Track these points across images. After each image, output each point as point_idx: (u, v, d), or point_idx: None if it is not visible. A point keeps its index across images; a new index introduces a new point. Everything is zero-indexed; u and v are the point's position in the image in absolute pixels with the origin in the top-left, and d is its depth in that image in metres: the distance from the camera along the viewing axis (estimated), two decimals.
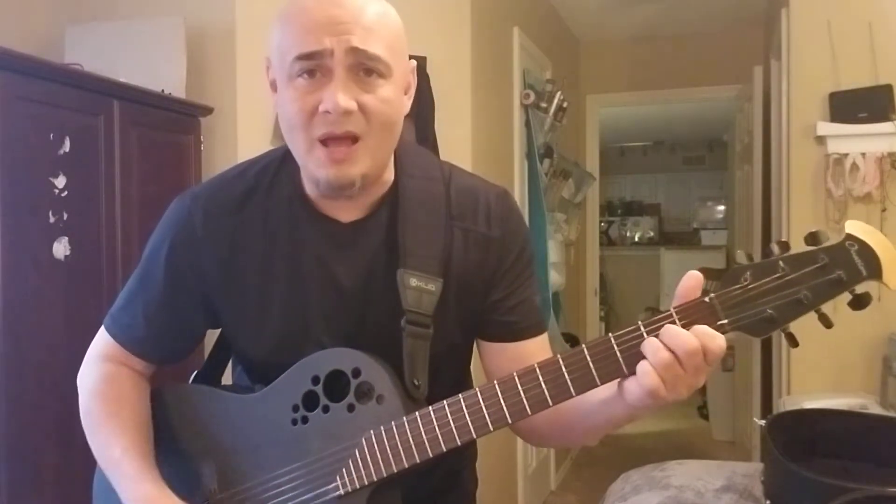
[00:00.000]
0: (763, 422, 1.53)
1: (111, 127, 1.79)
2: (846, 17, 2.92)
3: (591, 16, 4.63)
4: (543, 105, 3.79)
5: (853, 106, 2.87)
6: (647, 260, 8.05)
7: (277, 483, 1.02)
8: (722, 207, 8.68)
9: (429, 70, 2.66)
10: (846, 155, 2.87)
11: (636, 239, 9.19)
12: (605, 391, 0.92)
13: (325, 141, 0.93)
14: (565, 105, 3.95)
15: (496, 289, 1.06)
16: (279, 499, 1.01)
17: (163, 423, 1.09)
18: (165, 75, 2.06)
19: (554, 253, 3.96)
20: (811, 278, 0.80)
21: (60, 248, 1.64)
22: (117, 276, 1.76)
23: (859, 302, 0.80)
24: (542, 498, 4.13)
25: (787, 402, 2.82)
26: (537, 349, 1.07)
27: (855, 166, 2.86)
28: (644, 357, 0.83)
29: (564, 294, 4.32)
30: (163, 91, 2.01)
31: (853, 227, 0.81)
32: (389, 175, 1.05)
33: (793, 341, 0.85)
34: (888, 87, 2.85)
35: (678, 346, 0.81)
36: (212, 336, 1.22)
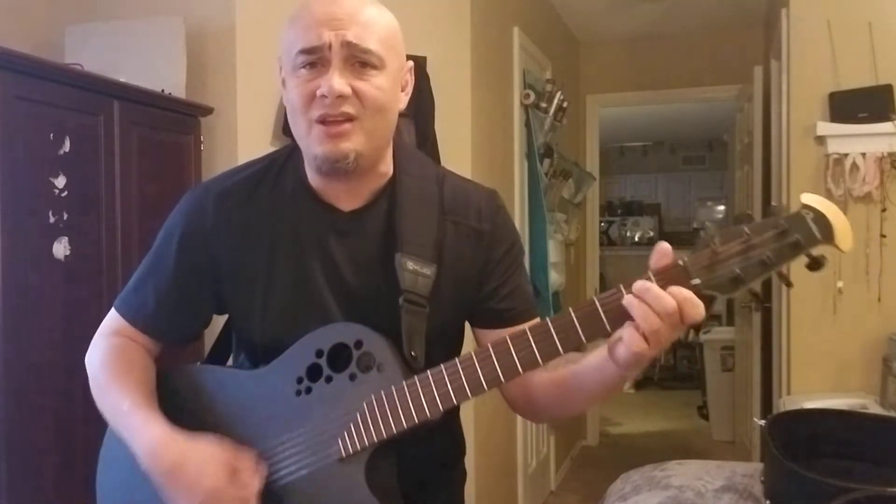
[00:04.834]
0: (763, 422, 1.53)
1: (111, 127, 1.79)
2: (846, 17, 2.92)
3: (591, 16, 4.63)
4: (543, 105, 3.79)
5: (853, 106, 2.87)
6: (647, 260, 8.03)
7: (280, 450, 1.06)
8: (722, 207, 8.67)
9: (429, 70, 2.65)
10: (846, 155, 2.87)
11: (636, 239, 9.18)
12: (597, 358, 1.00)
13: (323, 122, 1.02)
14: (565, 105, 3.95)
15: (490, 279, 1.14)
16: (280, 464, 1.06)
17: (167, 402, 1.12)
18: (165, 75, 2.06)
19: (554, 253, 3.96)
20: (773, 242, 0.88)
21: (60, 248, 1.64)
22: (117, 276, 1.76)
23: (816, 263, 0.88)
24: (542, 498, 4.13)
25: (787, 402, 2.82)
26: None
27: (855, 166, 2.86)
28: (625, 312, 0.92)
29: (564, 294, 4.32)
30: (163, 91, 2.01)
31: (808, 198, 0.89)
32: (388, 168, 1.13)
33: (758, 300, 0.91)
34: (888, 87, 2.85)
35: (660, 308, 0.90)
36: (214, 330, 1.26)
